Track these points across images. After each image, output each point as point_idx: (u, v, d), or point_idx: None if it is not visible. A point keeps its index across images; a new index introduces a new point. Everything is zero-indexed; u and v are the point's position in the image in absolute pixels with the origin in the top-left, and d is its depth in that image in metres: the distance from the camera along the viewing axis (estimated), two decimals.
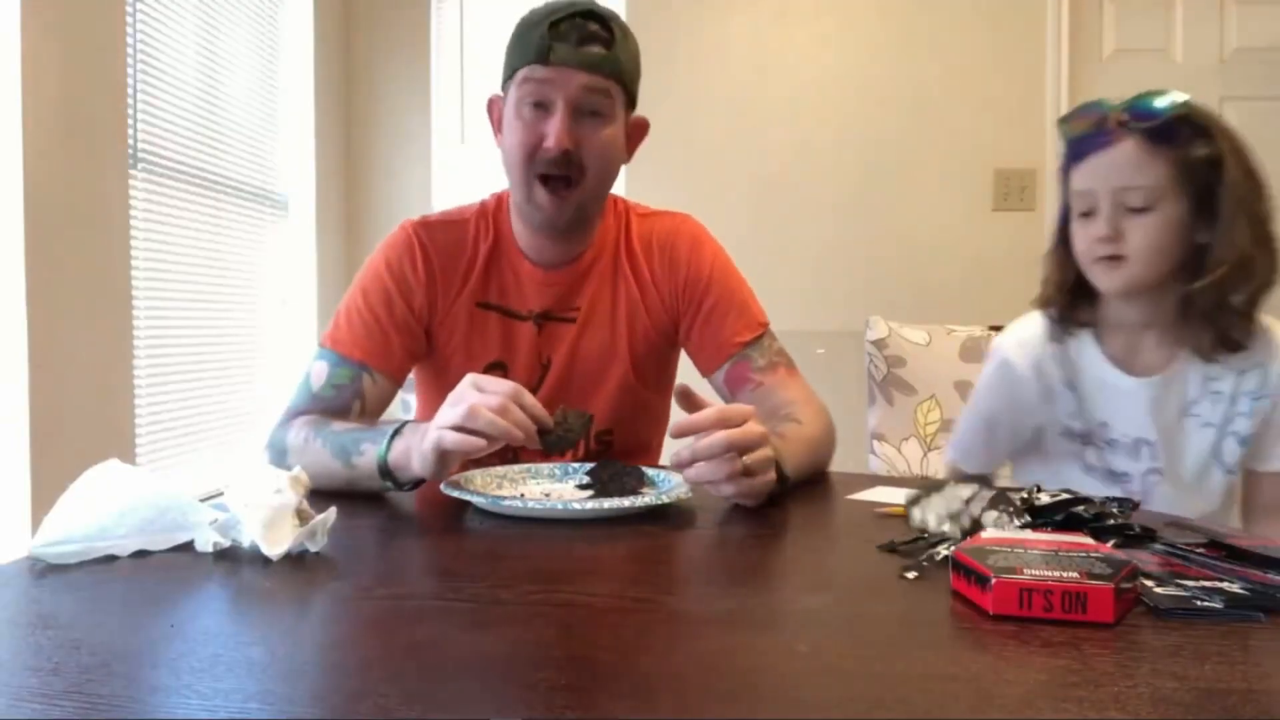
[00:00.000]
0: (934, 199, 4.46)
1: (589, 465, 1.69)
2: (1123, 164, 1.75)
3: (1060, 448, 1.95)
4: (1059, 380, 1.91)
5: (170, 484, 1.28)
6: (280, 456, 1.72)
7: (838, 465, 1.87)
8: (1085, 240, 1.80)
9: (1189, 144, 1.73)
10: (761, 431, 1.49)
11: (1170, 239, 1.74)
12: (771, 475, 1.52)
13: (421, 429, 1.53)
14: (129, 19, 3.25)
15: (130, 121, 3.26)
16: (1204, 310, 1.77)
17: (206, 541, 1.23)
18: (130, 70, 3.26)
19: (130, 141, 3.27)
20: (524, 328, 1.95)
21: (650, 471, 1.67)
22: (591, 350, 1.97)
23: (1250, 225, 1.72)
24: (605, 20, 1.81)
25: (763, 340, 1.97)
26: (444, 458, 1.48)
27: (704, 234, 2.05)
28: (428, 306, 1.92)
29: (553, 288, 1.95)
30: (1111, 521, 1.30)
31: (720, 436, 1.44)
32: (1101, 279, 1.80)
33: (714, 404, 1.50)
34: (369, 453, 1.60)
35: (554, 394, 1.94)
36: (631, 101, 1.90)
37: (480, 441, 1.44)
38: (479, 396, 1.46)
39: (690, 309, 1.99)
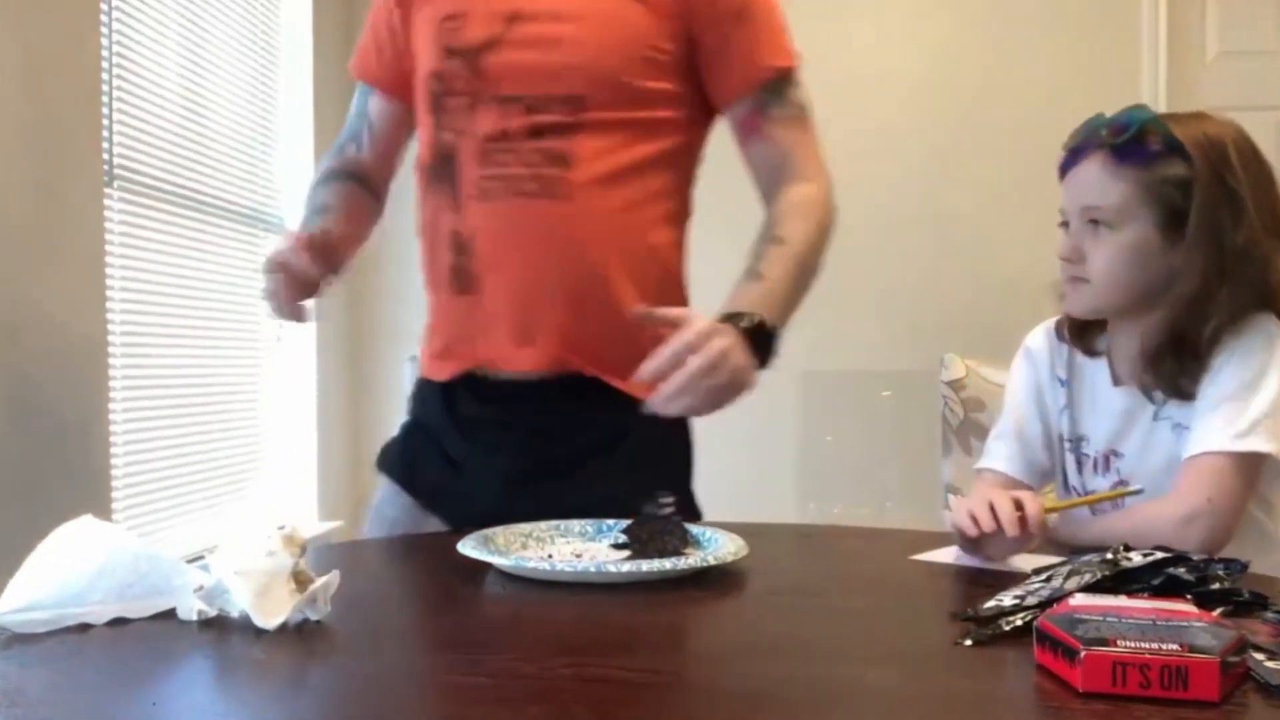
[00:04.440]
0: (1017, 220, 4.44)
1: (624, 523, 1.69)
2: (1088, 181, 1.86)
3: (1056, 459, 2.07)
4: (1061, 372, 2.05)
5: (150, 544, 1.29)
6: None
7: (906, 523, 1.88)
8: (1059, 260, 1.91)
9: (1158, 163, 1.80)
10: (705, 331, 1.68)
11: (1131, 264, 1.83)
12: (730, 367, 1.69)
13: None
14: (104, 18, 3.27)
15: (105, 134, 3.29)
16: (1154, 348, 1.85)
17: (190, 609, 1.23)
18: (105, 76, 3.29)
19: (106, 156, 3.29)
20: None
21: (695, 530, 1.68)
22: (574, 9, 1.94)
23: (1218, 255, 1.77)
24: None
25: (787, 84, 2.04)
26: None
27: None
28: None
29: None
30: (1217, 586, 1.29)
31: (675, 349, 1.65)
32: (1066, 300, 1.93)
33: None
34: None
35: (516, 54, 1.94)
36: None
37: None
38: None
39: (711, 18, 1.99)
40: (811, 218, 1.99)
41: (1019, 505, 1.59)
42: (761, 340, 1.78)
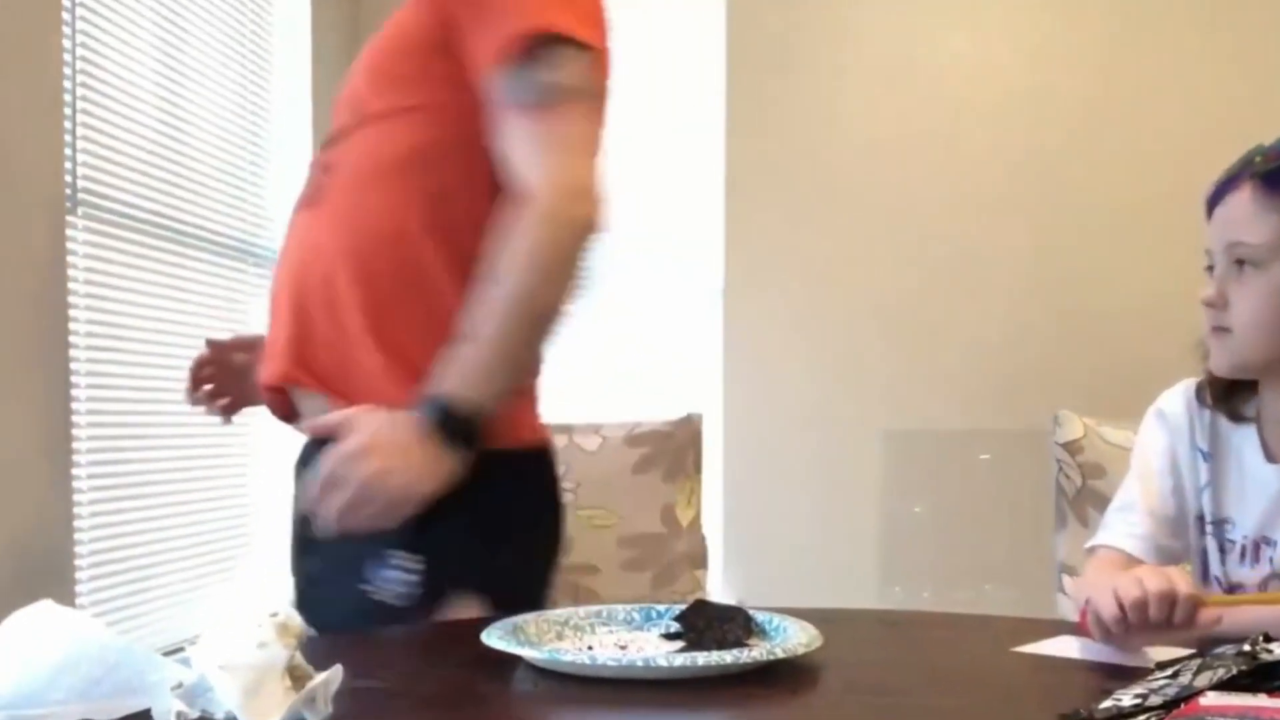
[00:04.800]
0: (1140, 254, 4.42)
1: (677, 609, 1.69)
2: (1235, 215, 1.86)
3: (1193, 543, 2.06)
4: (1203, 443, 2.03)
5: (120, 634, 1.29)
6: None
7: (1010, 609, 1.87)
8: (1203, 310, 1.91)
9: None
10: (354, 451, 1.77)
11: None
12: (385, 490, 1.76)
13: None
14: (66, 15, 3.26)
15: (68, 154, 3.29)
16: None
17: (168, 710, 1.24)
18: (68, 84, 3.30)
19: (68, 179, 3.29)
20: None
21: (761, 617, 1.68)
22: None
23: None
24: None
25: (532, 59, 1.89)
26: None
27: None
28: None
29: None
30: None
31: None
32: (1211, 354, 1.92)
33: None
34: None
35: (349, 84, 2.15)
36: None
37: None
38: None
39: None
40: (523, 247, 1.86)
41: (1174, 594, 1.58)
42: (457, 424, 1.81)
